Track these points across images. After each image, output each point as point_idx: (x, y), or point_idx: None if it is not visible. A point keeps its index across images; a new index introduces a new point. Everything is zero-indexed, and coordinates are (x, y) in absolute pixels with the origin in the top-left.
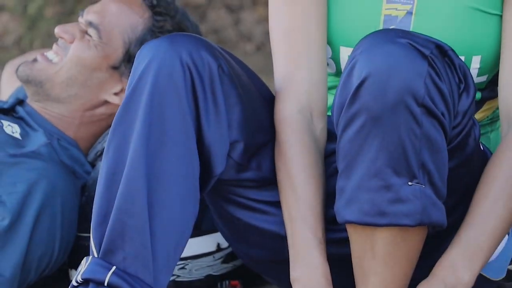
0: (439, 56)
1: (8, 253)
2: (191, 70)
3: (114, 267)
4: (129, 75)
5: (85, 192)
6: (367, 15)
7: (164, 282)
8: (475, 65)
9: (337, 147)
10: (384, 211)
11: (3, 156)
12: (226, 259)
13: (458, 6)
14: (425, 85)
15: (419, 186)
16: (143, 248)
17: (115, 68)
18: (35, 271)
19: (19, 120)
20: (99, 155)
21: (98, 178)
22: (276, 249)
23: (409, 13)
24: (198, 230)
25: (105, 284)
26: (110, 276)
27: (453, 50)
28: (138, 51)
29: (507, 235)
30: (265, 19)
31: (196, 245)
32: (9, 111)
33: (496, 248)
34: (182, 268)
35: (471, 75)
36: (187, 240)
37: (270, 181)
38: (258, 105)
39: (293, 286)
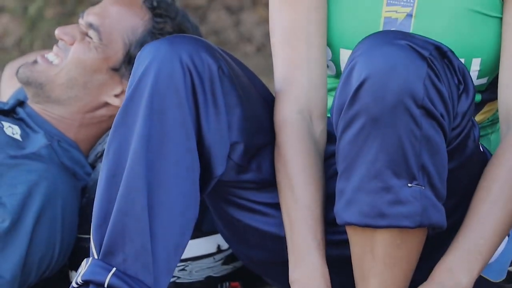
0: (438, 57)
1: (8, 254)
2: (191, 71)
3: (114, 269)
4: (129, 77)
5: (86, 194)
6: (367, 18)
7: (164, 283)
8: (475, 67)
9: (336, 148)
10: (384, 212)
11: (4, 157)
12: (226, 261)
13: (458, 9)
14: (424, 87)
15: (419, 188)
16: (143, 250)
17: (115, 70)
18: (35, 272)
19: (19, 121)
20: (99, 156)
21: (98, 180)
22: (276, 251)
23: (409, 15)
24: (199, 232)
25: (105, 285)
26: (110, 278)
27: (452, 52)
28: (138, 53)
29: (507, 237)
30: (265, 20)
31: (197, 247)
32: (9, 112)
33: (495, 251)
34: (182, 269)
35: (470, 77)
36: (188, 242)
37: (270, 183)
38: (258, 107)
39: None
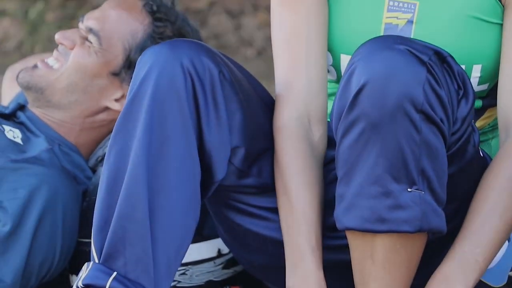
0: (438, 62)
1: (9, 258)
2: (192, 75)
3: (115, 273)
4: (129, 82)
5: (86, 198)
6: (368, 24)
7: (165, 287)
8: (475, 73)
9: (336, 153)
10: (383, 217)
11: (5, 161)
12: (227, 265)
13: (459, 15)
14: (424, 92)
15: (419, 193)
16: (144, 254)
17: (115, 74)
18: (36, 276)
19: (20, 125)
20: (100, 160)
21: (99, 184)
22: (276, 255)
23: (410, 21)
24: (199, 236)
25: None
26: (111, 282)
27: (451, 57)
28: (139, 58)
29: (507, 242)
30: (265, 24)
31: (197, 251)
32: (10, 116)
33: (492, 259)
34: (183, 273)
35: (470, 82)
36: (188, 246)
37: (270, 187)
38: (259, 111)
39: None
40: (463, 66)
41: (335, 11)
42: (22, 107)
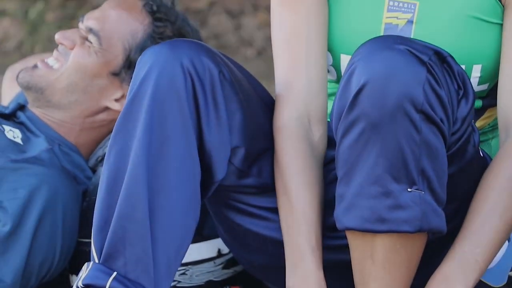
0: (438, 62)
1: (9, 258)
2: (192, 75)
3: (115, 273)
4: (129, 82)
5: (86, 198)
6: (368, 24)
7: (165, 287)
8: (475, 74)
9: (336, 153)
10: (383, 217)
11: (5, 161)
12: (227, 265)
13: (459, 15)
14: (424, 92)
15: (419, 193)
16: (144, 254)
17: (115, 74)
18: (36, 276)
19: (20, 125)
20: (100, 160)
21: (99, 184)
22: (276, 255)
23: (410, 21)
24: (199, 236)
25: None
26: (111, 282)
27: (451, 57)
28: (139, 57)
29: (507, 242)
30: (265, 24)
31: (197, 251)
32: (10, 116)
33: (492, 259)
34: (183, 273)
35: (470, 82)
36: (188, 246)
37: (271, 188)
38: (259, 111)
39: None
40: (463, 66)
41: (335, 11)
42: (22, 107)
